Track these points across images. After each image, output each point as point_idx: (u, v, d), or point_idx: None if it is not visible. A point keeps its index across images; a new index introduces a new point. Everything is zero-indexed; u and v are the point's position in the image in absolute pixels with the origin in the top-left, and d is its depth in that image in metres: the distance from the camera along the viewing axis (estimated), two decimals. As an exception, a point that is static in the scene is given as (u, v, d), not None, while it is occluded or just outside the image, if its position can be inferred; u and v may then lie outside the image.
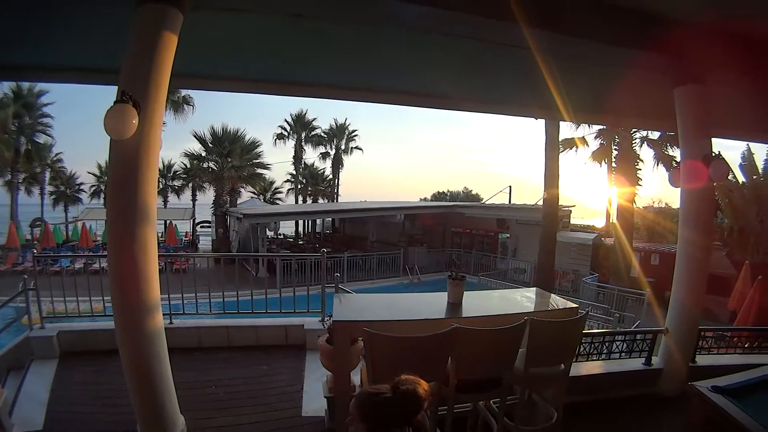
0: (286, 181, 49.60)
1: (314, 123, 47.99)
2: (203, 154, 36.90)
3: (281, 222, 36.88)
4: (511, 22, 4.58)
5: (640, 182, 23.84)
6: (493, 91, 7.73)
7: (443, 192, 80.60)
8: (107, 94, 4.12)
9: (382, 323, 3.93)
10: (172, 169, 42.26)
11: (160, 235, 30.76)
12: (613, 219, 25.29)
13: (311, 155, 49.70)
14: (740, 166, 20.38)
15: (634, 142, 23.85)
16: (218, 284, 7.83)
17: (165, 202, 41.77)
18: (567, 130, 23.77)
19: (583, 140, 24.62)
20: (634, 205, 24.32)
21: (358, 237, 35.45)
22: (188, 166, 39.36)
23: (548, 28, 4.92)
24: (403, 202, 40.42)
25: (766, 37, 5.46)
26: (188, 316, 7.57)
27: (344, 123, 49.48)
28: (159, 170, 28.18)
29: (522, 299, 5.42)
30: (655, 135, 23.19)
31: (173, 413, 4.49)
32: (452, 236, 33.48)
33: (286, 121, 47.02)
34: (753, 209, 19.53)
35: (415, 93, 7.68)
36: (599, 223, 34.58)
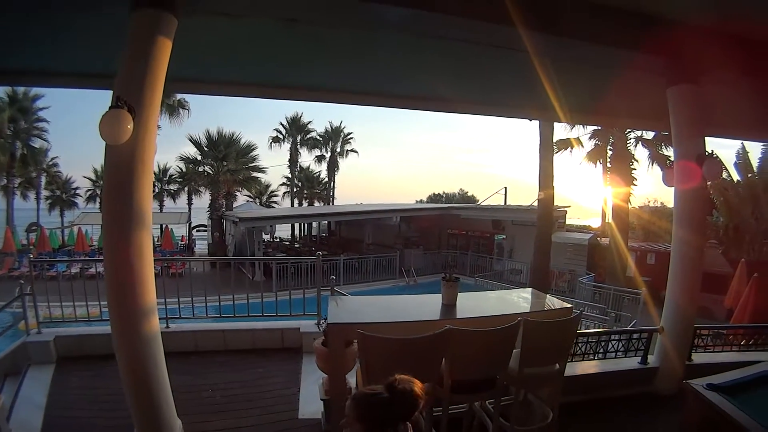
0: (281, 185, 49.70)
1: (309, 126, 48.18)
2: (199, 157, 36.95)
3: (277, 225, 36.78)
4: (508, 25, 4.60)
5: (635, 182, 24.01)
6: (490, 93, 7.74)
7: (439, 194, 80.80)
8: (103, 98, 4.15)
9: (376, 325, 3.97)
10: (168, 173, 42.34)
11: (156, 239, 30.76)
12: (609, 219, 25.31)
13: (306, 158, 49.81)
14: (735, 164, 20.44)
15: (629, 142, 23.95)
16: (214, 288, 7.86)
17: (161, 206, 41.83)
18: (562, 130, 23.82)
19: (578, 141, 24.73)
20: (630, 205, 24.43)
21: (354, 240, 35.38)
22: (184, 170, 39.37)
23: (545, 30, 4.94)
24: (398, 204, 40.34)
25: (759, 37, 5.49)
26: (185, 320, 7.55)
27: (339, 126, 49.63)
28: (155, 174, 28.18)
29: (516, 300, 5.45)
30: (649, 135, 23.30)
31: (170, 417, 4.49)
32: (448, 238, 33.40)
33: (281, 124, 47.12)
34: (748, 207, 19.57)
35: (411, 96, 7.71)
36: (595, 223, 34.59)
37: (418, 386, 2.31)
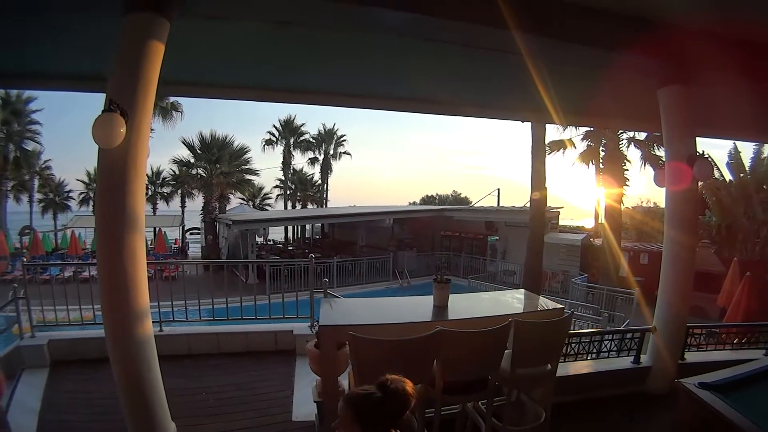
0: (275, 187, 49.54)
1: (303, 128, 48.08)
2: (192, 160, 36.81)
3: (270, 228, 36.72)
4: (503, 28, 4.62)
5: (627, 182, 24.01)
6: (484, 95, 7.77)
7: (432, 196, 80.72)
8: (96, 101, 4.16)
9: (368, 327, 3.98)
10: (161, 175, 42.21)
11: (149, 242, 30.69)
12: (602, 219, 25.36)
13: (300, 161, 49.79)
14: (727, 164, 20.47)
15: (621, 142, 23.98)
16: (208, 291, 7.83)
17: (154, 209, 41.68)
18: (554, 132, 23.84)
19: (571, 142, 24.74)
20: (622, 206, 24.45)
21: (347, 242, 35.32)
22: (177, 172, 39.26)
23: (539, 33, 4.96)
24: (392, 206, 40.18)
25: (751, 38, 5.52)
26: (178, 324, 7.56)
27: (332, 128, 49.68)
28: (148, 177, 28.08)
29: (509, 301, 5.49)
30: (642, 136, 23.33)
31: (164, 420, 4.49)
32: (441, 240, 33.40)
33: (274, 126, 47.08)
34: (740, 207, 19.61)
35: (407, 99, 7.74)
36: (588, 223, 34.70)
37: (409, 385, 2.32)
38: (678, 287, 6.06)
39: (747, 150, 20.03)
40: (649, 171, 23.57)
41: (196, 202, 38.75)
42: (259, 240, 34.24)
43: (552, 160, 24.71)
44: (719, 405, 3.76)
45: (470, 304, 5.29)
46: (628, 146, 24.10)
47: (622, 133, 23.52)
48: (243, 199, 43.51)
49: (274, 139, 47.00)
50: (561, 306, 4.94)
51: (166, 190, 42.42)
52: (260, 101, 7.58)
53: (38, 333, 6.81)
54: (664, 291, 6.12)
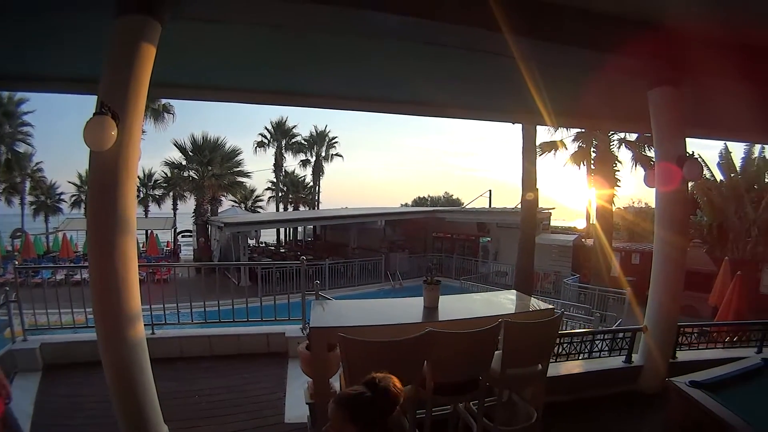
0: (266, 189, 49.72)
1: (294, 130, 48.18)
2: (184, 162, 36.83)
3: (262, 230, 36.74)
4: (497, 31, 4.64)
5: (618, 183, 24.12)
6: (477, 97, 7.82)
7: (424, 197, 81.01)
8: (88, 102, 4.15)
9: (359, 328, 3.99)
10: (153, 178, 42.06)
11: (141, 245, 30.59)
12: (593, 220, 25.44)
13: (292, 163, 49.80)
14: (719, 164, 20.67)
15: (612, 144, 24.06)
16: (200, 294, 7.84)
17: (146, 211, 41.54)
18: (546, 133, 23.91)
19: (562, 143, 24.79)
20: (614, 206, 24.55)
21: (339, 244, 35.31)
22: (169, 175, 39.24)
23: (532, 35, 4.98)
24: (383, 208, 40.23)
25: (740, 40, 5.56)
26: (170, 326, 7.56)
27: (324, 130, 49.72)
28: (139, 179, 27.98)
29: (500, 302, 5.49)
30: (632, 137, 23.42)
31: (156, 423, 4.48)
32: (433, 241, 33.48)
33: (266, 128, 47.15)
34: (731, 206, 19.77)
35: (402, 101, 7.78)
36: (580, 224, 34.75)
37: (396, 381, 2.34)
38: (669, 287, 6.09)
39: (738, 150, 20.21)
40: (640, 172, 23.65)
41: (188, 205, 38.86)
42: (251, 242, 34.22)
43: (543, 162, 24.80)
44: (710, 403, 3.78)
45: (461, 305, 5.32)
46: (619, 147, 24.22)
47: (613, 134, 23.61)
48: (235, 201, 43.56)
49: (266, 141, 47.06)
50: (551, 306, 4.98)
51: (157, 192, 42.31)
52: (255, 104, 7.62)
53: (30, 336, 6.79)
54: (655, 291, 6.15)
